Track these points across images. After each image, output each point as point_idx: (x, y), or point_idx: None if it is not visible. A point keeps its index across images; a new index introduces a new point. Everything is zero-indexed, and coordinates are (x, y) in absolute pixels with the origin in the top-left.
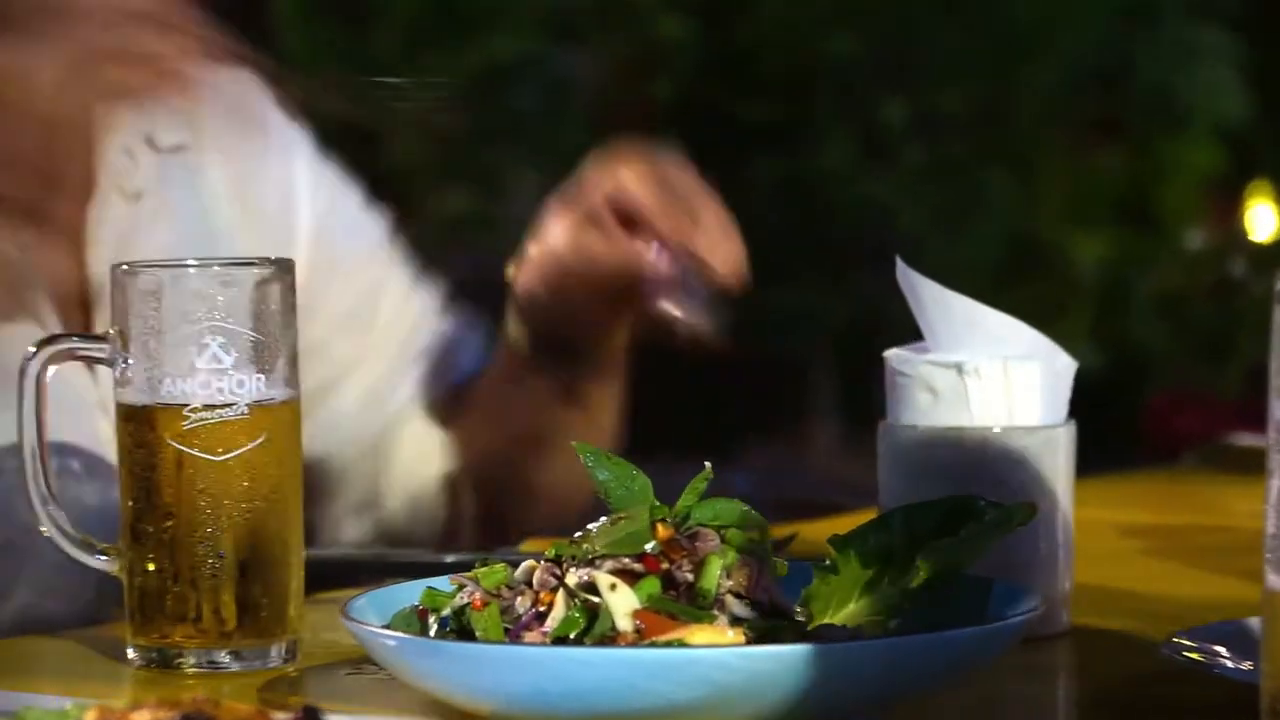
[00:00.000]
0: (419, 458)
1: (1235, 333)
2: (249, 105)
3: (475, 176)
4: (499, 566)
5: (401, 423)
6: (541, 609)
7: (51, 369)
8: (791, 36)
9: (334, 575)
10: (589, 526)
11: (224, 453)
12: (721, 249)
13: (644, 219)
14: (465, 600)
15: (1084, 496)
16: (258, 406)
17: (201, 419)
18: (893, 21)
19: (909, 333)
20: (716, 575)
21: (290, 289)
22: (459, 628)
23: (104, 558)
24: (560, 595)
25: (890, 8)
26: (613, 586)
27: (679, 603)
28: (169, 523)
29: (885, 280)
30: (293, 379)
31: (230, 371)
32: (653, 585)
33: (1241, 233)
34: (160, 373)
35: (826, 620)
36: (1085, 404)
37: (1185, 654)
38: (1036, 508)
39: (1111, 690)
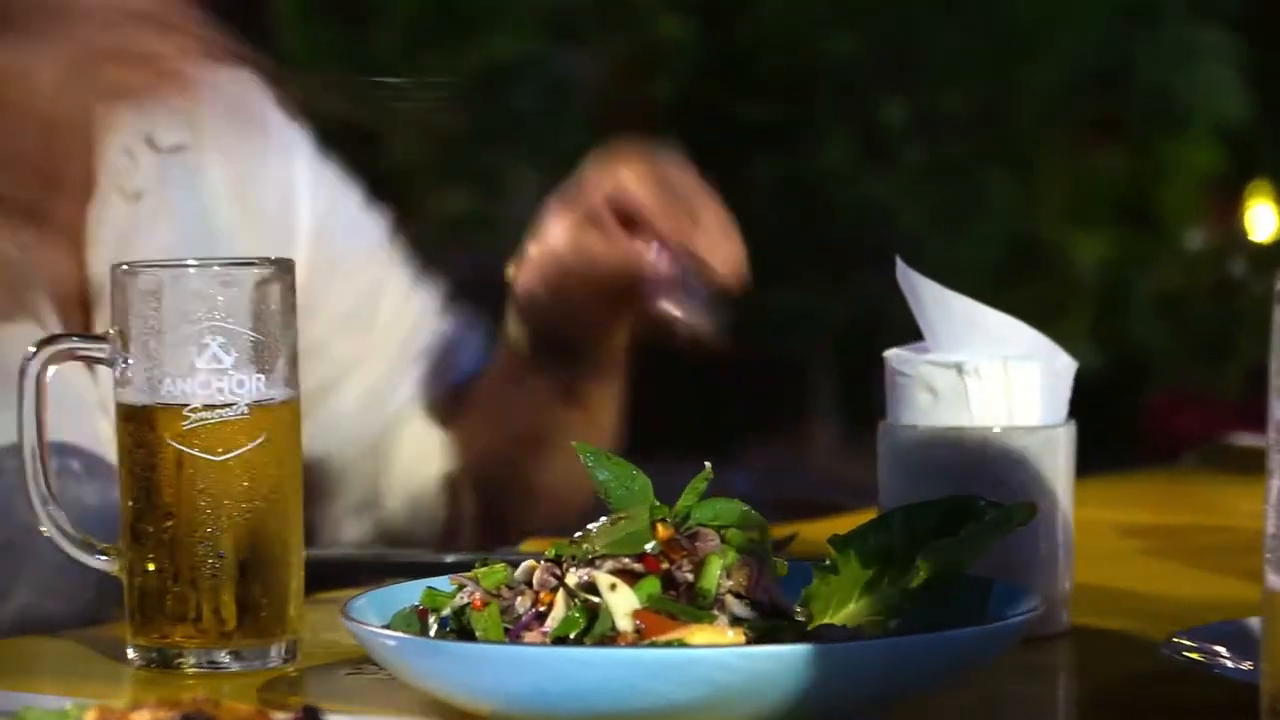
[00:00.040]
0: (419, 458)
1: (1235, 333)
2: (249, 105)
3: (475, 176)
4: (499, 566)
5: (401, 423)
6: (541, 609)
7: (51, 369)
8: (791, 36)
9: (334, 575)
10: (589, 526)
11: (224, 453)
12: (721, 249)
13: (644, 219)
14: (465, 600)
15: (1084, 496)
16: (258, 406)
17: (201, 419)
18: (893, 21)
19: (909, 333)
20: (716, 575)
21: (290, 289)
22: (459, 628)
23: (104, 558)
24: (560, 595)
25: (890, 8)
26: (613, 586)
27: (679, 603)
28: (169, 523)
29: (885, 280)
30: (293, 379)
31: (230, 371)
32: (653, 585)
33: (1241, 233)
34: (160, 373)
35: (826, 620)
36: (1085, 404)
37: (1185, 654)
38: (1036, 508)
39: (1111, 690)
